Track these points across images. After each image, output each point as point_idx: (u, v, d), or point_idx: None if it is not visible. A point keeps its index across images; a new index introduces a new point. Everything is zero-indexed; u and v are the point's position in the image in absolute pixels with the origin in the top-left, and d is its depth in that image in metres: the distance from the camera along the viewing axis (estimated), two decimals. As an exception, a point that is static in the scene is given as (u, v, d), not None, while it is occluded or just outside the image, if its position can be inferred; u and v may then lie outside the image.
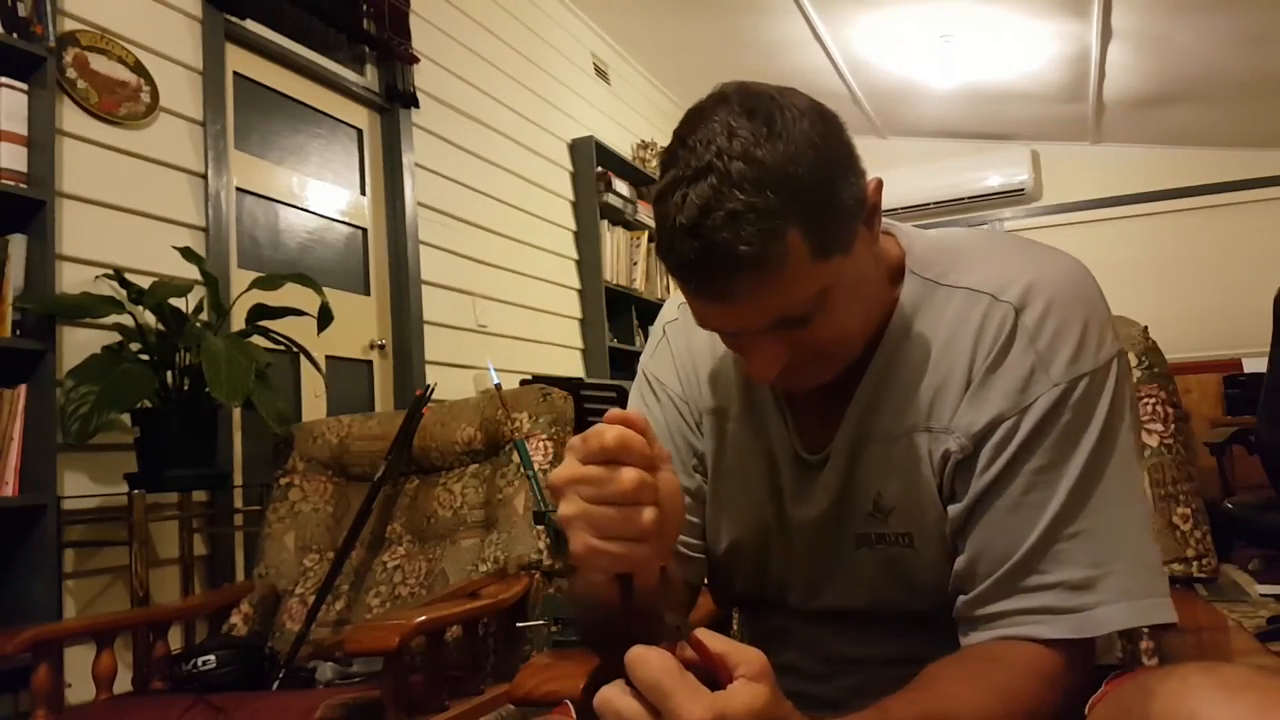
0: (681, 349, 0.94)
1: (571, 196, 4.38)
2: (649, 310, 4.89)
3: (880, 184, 0.75)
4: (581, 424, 2.60)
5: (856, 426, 0.80)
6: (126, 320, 2.05)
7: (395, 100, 3.25)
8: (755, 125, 0.66)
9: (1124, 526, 0.72)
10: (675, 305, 0.96)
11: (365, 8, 3.13)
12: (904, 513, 0.78)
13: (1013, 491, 0.72)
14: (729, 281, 0.67)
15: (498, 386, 1.99)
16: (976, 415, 0.74)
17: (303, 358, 2.35)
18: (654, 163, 5.09)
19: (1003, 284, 0.75)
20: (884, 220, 0.80)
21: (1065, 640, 0.70)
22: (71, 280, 2.07)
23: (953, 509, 0.76)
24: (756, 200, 0.64)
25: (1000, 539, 0.73)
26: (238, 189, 2.65)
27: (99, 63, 2.20)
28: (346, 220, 3.11)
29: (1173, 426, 1.17)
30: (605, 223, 4.48)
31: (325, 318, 2.24)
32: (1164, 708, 0.56)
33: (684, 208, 0.66)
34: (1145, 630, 1.04)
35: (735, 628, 1.10)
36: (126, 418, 2.04)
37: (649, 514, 0.60)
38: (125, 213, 2.24)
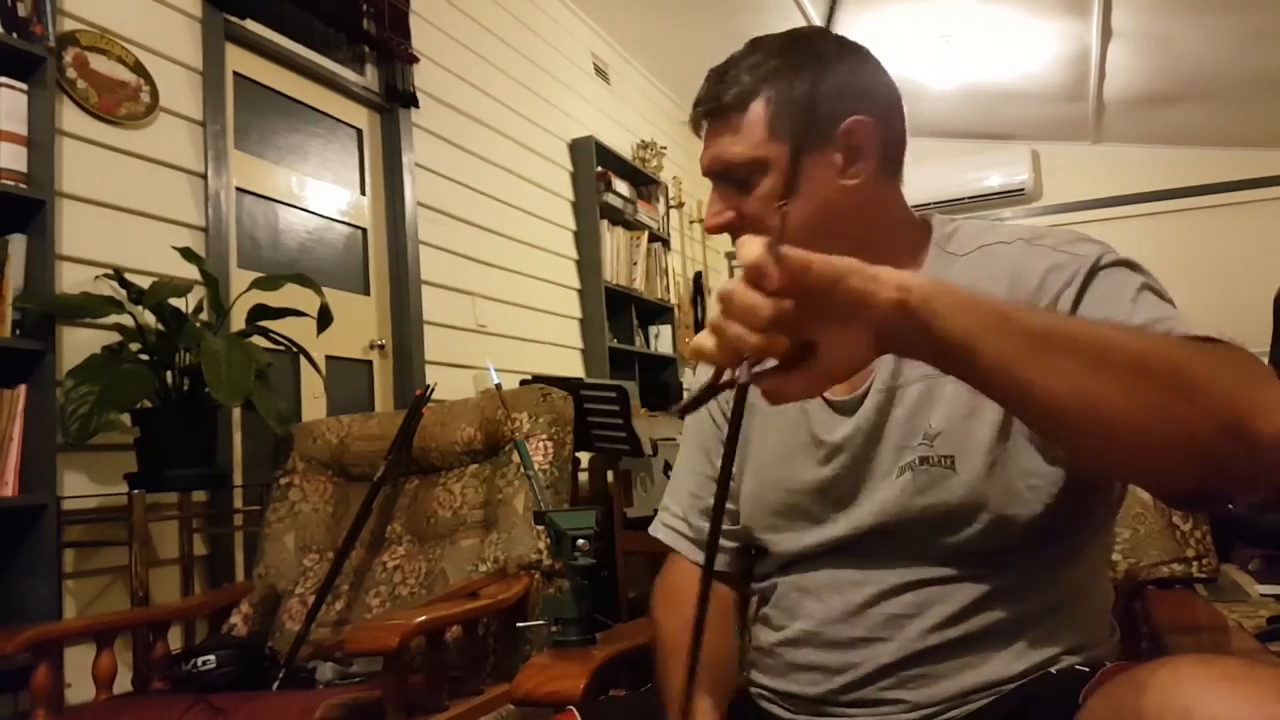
0: None
1: (571, 196, 4.38)
2: (649, 310, 4.89)
3: (865, 126, 0.86)
4: (581, 424, 2.60)
5: (891, 373, 0.87)
6: (126, 320, 2.05)
7: (395, 100, 3.25)
8: (787, 38, 0.88)
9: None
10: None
11: (365, 8, 3.13)
12: (950, 436, 0.83)
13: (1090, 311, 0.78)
14: (707, 118, 0.89)
15: (498, 386, 1.99)
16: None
17: (302, 358, 2.35)
18: (654, 162, 5.08)
19: (1009, 237, 0.88)
20: (924, 213, 0.94)
21: (1201, 345, 0.64)
22: (71, 280, 2.07)
23: None
24: (754, 66, 0.87)
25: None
26: (237, 189, 2.65)
27: (99, 63, 2.20)
28: (346, 220, 3.11)
29: (1173, 426, 1.17)
30: (605, 223, 4.48)
31: (325, 318, 2.24)
32: (1158, 700, 0.54)
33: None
34: (1145, 629, 1.04)
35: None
36: (126, 418, 2.04)
37: None
38: (125, 213, 2.24)
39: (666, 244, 5.12)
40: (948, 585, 0.82)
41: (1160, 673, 0.56)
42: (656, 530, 1.07)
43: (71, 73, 2.12)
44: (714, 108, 0.87)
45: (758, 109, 0.85)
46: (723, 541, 0.99)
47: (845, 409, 0.89)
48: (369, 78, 3.26)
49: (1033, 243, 0.86)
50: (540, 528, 1.76)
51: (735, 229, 0.86)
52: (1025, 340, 0.57)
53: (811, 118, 0.85)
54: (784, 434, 0.93)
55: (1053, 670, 0.80)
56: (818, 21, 4.31)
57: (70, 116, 2.12)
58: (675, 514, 1.05)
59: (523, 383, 3.00)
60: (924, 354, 0.59)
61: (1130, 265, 0.81)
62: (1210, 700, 0.51)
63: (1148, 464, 0.59)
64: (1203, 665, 0.55)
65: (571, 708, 0.93)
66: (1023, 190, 5.62)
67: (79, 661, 1.75)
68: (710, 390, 0.60)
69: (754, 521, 0.96)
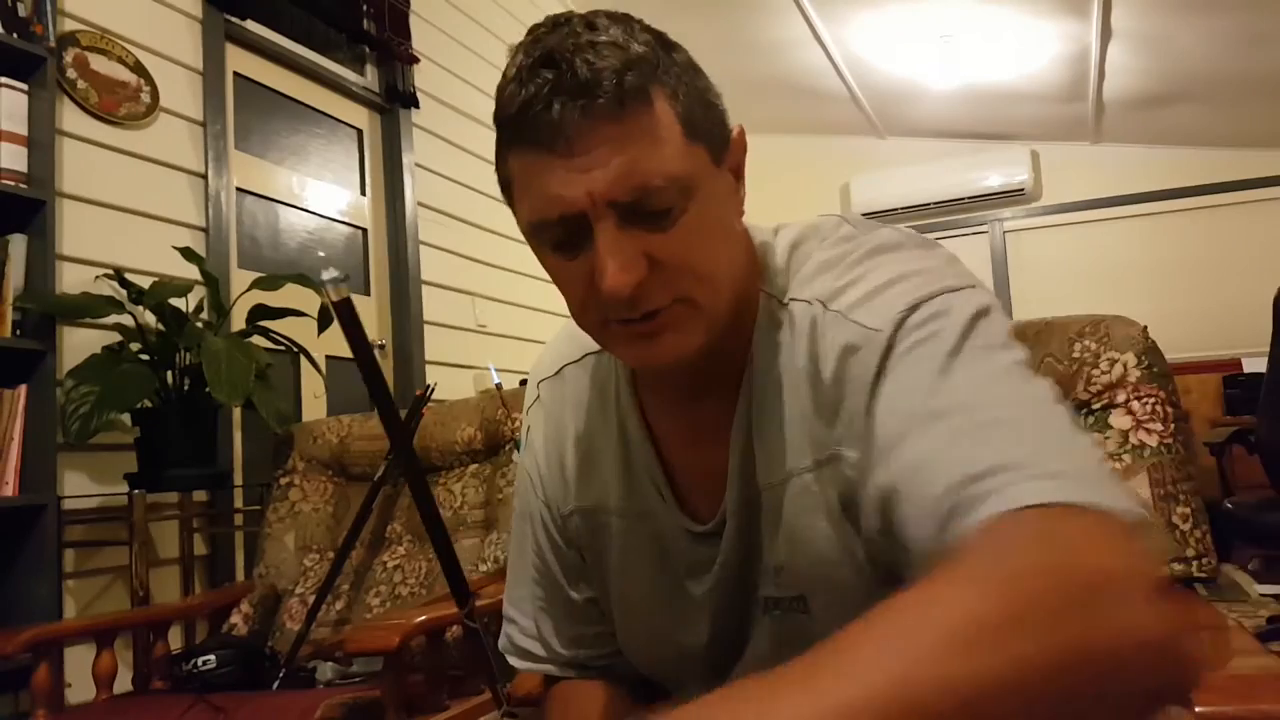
0: (548, 435, 0.82)
1: (571, 196, 4.38)
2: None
3: (744, 132, 0.67)
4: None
5: (741, 480, 0.69)
6: (127, 320, 2.05)
7: (395, 100, 3.25)
8: (617, 21, 0.61)
9: (1051, 423, 0.54)
10: (535, 384, 0.84)
11: (365, 8, 3.13)
12: (795, 571, 0.67)
13: (884, 444, 0.56)
14: (586, 118, 0.56)
15: (498, 386, 2.00)
16: (844, 426, 0.62)
17: (303, 358, 2.35)
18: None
19: (822, 287, 0.65)
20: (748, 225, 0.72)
21: (1045, 507, 0.46)
22: (71, 280, 2.07)
23: (874, 519, 0.58)
24: (623, 41, 0.58)
25: (919, 484, 0.53)
26: (238, 189, 2.65)
27: (99, 63, 2.20)
28: (347, 220, 3.11)
29: (1172, 426, 1.17)
30: (605, 223, 4.48)
31: (325, 318, 2.24)
32: None
33: (536, 49, 0.58)
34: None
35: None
36: (127, 418, 2.04)
37: None
38: (125, 213, 2.24)
39: (666, 244, 5.12)
40: None
41: None
42: (513, 654, 0.86)
43: (72, 73, 2.13)
44: (605, 96, 0.56)
45: (662, 102, 0.59)
46: (595, 630, 0.82)
47: (708, 537, 0.71)
48: (369, 78, 3.26)
49: (830, 303, 0.64)
50: (540, 528, 1.76)
51: (649, 286, 0.59)
52: None
53: (712, 110, 0.63)
54: (650, 573, 0.76)
55: None
56: (819, 22, 4.31)
57: (70, 117, 2.12)
58: (532, 636, 0.84)
59: (523, 383, 3.00)
60: None
61: (935, 332, 0.57)
62: None
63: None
64: None
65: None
66: (1023, 190, 5.62)
67: (79, 661, 1.75)
68: None
69: (649, 670, 0.81)
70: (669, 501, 0.73)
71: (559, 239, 0.60)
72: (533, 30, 0.61)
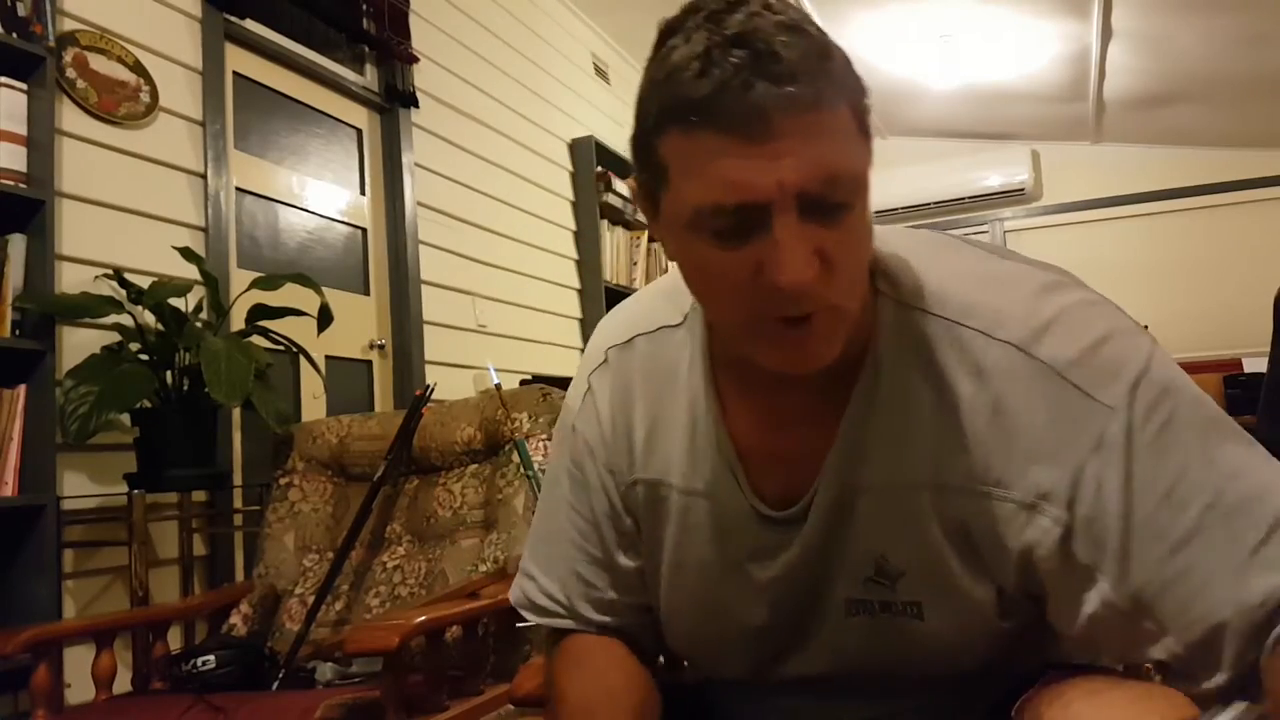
0: (614, 402, 0.80)
1: (571, 196, 4.38)
2: (649, 310, 4.88)
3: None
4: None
5: (843, 473, 0.68)
6: (126, 320, 2.05)
7: (395, 100, 3.25)
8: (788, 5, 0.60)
9: None
10: (603, 349, 0.82)
11: (365, 7, 3.13)
12: (916, 579, 0.67)
13: (1158, 534, 0.58)
14: (787, 105, 0.54)
15: (498, 386, 1.99)
16: (1031, 477, 0.62)
17: (302, 358, 2.35)
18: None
19: (992, 319, 0.64)
20: None
21: None
22: (71, 280, 2.07)
23: (1095, 601, 0.60)
24: (809, 29, 0.57)
25: (1197, 586, 0.57)
26: (237, 189, 2.65)
27: (98, 62, 2.20)
28: (346, 220, 3.11)
29: (1173, 426, 1.16)
30: (605, 223, 4.48)
31: (325, 318, 2.24)
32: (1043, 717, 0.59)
33: (721, 28, 0.55)
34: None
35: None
36: (126, 418, 2.04)
37: None
38: (125, 213, 2.24)
39: (666, 244, 5.11)
40: (905, 708, 0.75)
41: (1054, 707, 0.61)
42: (527, 609, 0.85)
43: (71, 73, 2.12)
44: (806, 82, 0.54)
45: (845, 98, 0.58)
46: (630, 600, 0.82)
47: (784, 524, 0.71)
48: (369, 78, 3.25)
49: (1036, 351, 0.62)
50: (540, 528, 1.76)
51: (816, 285, 0.58)
52: None
53: (870, 115, 0.62)
54: (708, 550, 0.75)
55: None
56: (819, 22, 4.30)
57: (70, 116, 2.12)
58: (555, 597, 0.83)
59: (523, 383, 3.00)
60: None
61: (1169, 408, 0.60)
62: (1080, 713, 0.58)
63: None
64: (1092, 697, 0.60)
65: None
66: (1023, 190, 5.62)
67: (79, 661, 1.75)
68: None
69: (686, 651, 0.83)
70: (742, 483, 0.73)
71: (727, 227, 0.57)
72: (697, 6, 0.58)
